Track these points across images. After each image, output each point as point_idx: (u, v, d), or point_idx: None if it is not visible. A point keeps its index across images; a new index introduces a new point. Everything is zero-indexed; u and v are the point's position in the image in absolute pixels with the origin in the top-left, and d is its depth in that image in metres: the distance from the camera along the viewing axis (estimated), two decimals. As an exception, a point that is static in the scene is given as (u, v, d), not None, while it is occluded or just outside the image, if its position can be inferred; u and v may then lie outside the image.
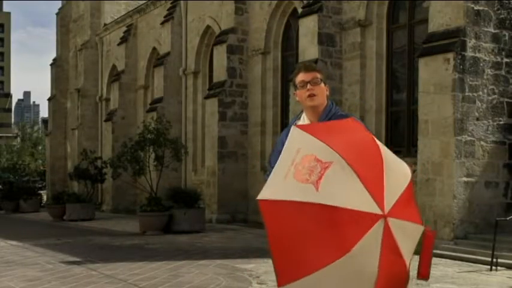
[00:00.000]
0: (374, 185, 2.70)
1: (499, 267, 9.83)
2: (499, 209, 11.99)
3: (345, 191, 2.66)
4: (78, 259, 11.33)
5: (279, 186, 2.78)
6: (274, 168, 2.90)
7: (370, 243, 2.63)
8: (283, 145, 3.43)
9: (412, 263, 2.90)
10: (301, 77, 3.51)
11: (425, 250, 2.95)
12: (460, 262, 10.58)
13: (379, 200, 2.68)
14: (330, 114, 3.48)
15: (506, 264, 9.99)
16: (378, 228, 2.65)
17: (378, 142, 2.93)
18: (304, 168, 2.73)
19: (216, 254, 11.82)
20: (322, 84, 3.52)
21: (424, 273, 2.95)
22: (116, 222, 21.10)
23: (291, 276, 2.68)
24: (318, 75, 3.51)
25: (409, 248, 2.81)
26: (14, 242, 14.66)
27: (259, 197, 2.78)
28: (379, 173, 2.75)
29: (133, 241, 14.69)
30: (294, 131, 2.96)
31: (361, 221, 2.63)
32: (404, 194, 2.82)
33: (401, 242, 2.73)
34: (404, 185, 2.85)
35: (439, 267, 10.05)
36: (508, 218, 10.68)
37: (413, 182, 2.96)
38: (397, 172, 2.86)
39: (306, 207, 2.65)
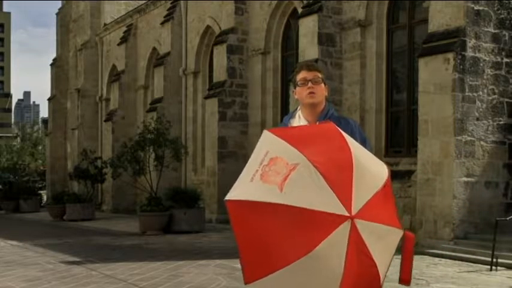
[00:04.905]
0: (341, 187, 2.70)
1: (499, 267, 9.83)
2: (499, 209, 11.98)
3: (310, 193, 2.67)
4: (78, 259, 11.33)
5: (245, 187, 2.82)
6: (243, 170, 2.94)
7: (335, 244, 2.63)
8: None
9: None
10: (302, 74, 3.53)
11: (405, 254, 2.94)
12: (460, 262, 10.58)
13: (346, 202, 2.68)
14: (327, 116, 3.49)
15: (506, 264, 9.99)
16: (343, 229, 2.64)
17: (353, 145, 2.91)
18: (271, 170, 2.76)
19: (216, 254, 11.82)
20: (323, 85, 3.55)
21: (405, 278, 2.93)
22: (116, 222, 21.10)
23: (256, 274, 2.71)
24: (320, 75, 3.54)
25: (382, 250, 2.79)
26: (14, 242, 14.66)
27: (226, 197, 2.83)
28: (348, 176, 2.76)
29: (133, 241, 14.69)
30: (264, 134, 2.97)
31: (325, 222, 2.63)
32: (377, 196, 2.81)
33: (372, 244, 2.72)
34: (376, 188, 2.84)
35: (439, 267, 10.06)
36: (508, 218, 10.67)
37: (390, 183, 2.93)
38: (370, 175, 2.85)
39: (270, 207, 2.67)
